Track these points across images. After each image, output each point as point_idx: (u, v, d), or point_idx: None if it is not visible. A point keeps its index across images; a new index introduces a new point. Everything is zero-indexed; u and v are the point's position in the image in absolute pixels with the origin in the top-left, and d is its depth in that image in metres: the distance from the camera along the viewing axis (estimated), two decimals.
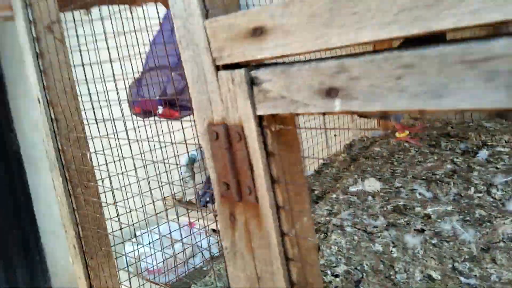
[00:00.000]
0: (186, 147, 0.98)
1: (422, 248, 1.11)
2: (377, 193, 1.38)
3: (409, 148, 1.60)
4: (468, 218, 1.20)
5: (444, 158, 1.48)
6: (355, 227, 1.23)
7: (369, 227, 1.23)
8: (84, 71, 0.97)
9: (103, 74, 0.96)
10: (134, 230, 1.51)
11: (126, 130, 0.95)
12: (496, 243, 1.08)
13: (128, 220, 1.07)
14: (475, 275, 1.02)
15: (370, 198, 1.37)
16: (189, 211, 1.27)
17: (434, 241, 1.13)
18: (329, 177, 1.63)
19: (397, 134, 1.69)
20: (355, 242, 1.17)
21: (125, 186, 1.10)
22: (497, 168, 1.40)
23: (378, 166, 1.54)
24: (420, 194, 1.33)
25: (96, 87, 0.99)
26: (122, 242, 1.16)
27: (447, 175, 1.41)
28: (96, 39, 0.95)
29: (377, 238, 1.18)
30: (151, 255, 1.30)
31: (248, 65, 0.42)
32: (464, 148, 1.60)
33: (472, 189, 1.31)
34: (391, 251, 1.12)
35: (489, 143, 1.60)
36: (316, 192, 1.49)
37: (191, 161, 1.84)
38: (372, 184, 1.37)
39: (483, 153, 1.53)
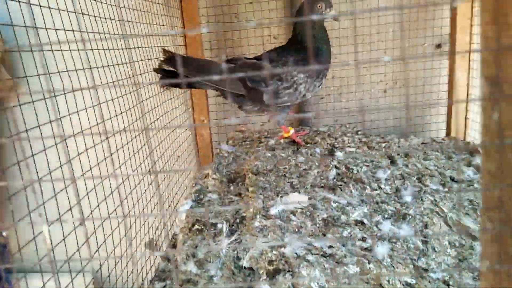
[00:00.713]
0: None
1: (388, 256, 1.07)
2: (296, 210, 1.24)
3: (287, 158, 1.54)
4: (387, 215, 1.25)
5: (324, 163, 1.50)
6: (312, 254, 1.06)
7: (323, 249, 1.09)
8: None
9: None
10: None
11: None
12: (422, 231, 1.18)
13: None
14: (437, 268, 1.07)
15: (293, 217, 1.22)
16: None
17: (388, 245, 1.12)
18: (218, 204, 1.35)
19: (284, 135, 1.79)
20: (328, 271, 1.01)
21: None
22: (367, 165, 1.53)
23: (272, 181, 1.39)
24: (334, 201, 1.29)
25: None
26: None
27: (338, 178, 1.43)
28: None
29: (344, 259, 1.05)
30: None
31: None
32: (320, 152, 1.68)
33: (368, 187, 1.38)
34: (369, 268, 1.02)
35: (337, 146, 1.75)
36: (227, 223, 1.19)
37: None
38: (297, 199, 1.22)
39: (339, 154, 1.65)
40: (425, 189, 1.43)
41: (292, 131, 1.80)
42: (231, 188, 1.43)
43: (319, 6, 1.60)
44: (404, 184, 1.45)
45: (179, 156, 1.79)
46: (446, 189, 1.46)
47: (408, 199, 1.35)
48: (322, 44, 1.66)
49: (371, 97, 2.27)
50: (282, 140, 1.83)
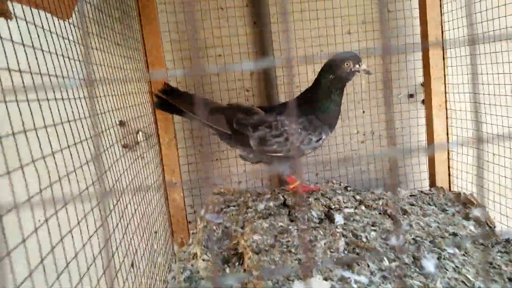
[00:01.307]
0: None
1: None
2: None
3: (288, 228, 1.34)
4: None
5: (325, 231, 1.32)
6: None
7: None
8: None
9: None
10: None
11: None
12: None
13: None
14: None
15: None
16: None
17: None
18: None
19: (290, 186, 1.73)
20: None
21: None
22: (374, 230, 1.38)
23: (278, 260, 1.18)
24: (355, 281, 1.10)
25: None
26: None
27: (350, 249, 1.25)
28: None
29: None
30: None
31: None
32: (317, 216, 1.51)
33: (385, 259, 1.21)
34: None
35: (333, 207, 1.58)
36: None
37: None
38: (317, 286, 1.01)
39: (339, 217, 1.49)
40: (443, 255, 1.29)
41: (297, 182, 1.72)
42: (227, 270, 1.19)
43: (347, 64, 1.53)
44: (419, 249, 1.30)
45: (155, 232, 1.51)
46: (462, 252, 1.34)
47: (431, 269, 1.20)
48: (332, 105, 1.59)
49: (351, 149, 2.17)
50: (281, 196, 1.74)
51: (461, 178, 2.03)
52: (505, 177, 1.81)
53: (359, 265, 1.17)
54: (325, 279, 1.10)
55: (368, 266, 1.18)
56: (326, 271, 1.13)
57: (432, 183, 2.10)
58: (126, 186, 1.36)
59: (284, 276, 1.09)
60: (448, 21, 1.95)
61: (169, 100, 1.64)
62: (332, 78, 1.55)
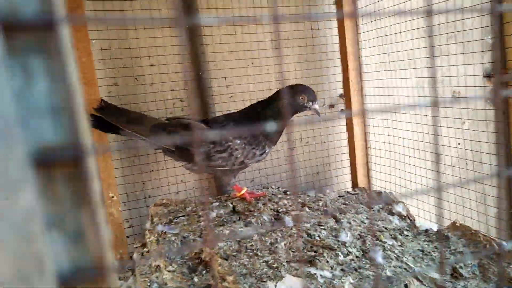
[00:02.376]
0: None
1: None
2: None
3: (249, 235, 1.36)
4: (372, 281, 1.21)
5: (283, 233, 1.39)
6: None
7: None
8: None
9: None
10: None
11: None
12: None
13: None
14: None
15: None
16: None
17: None
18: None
19: (236, 194, 1.75)
20: None
21: None
22: (324, 229, 1.48)
23: (247, 264, 1.20)
24: (321, 276, 1.19)
25: None
26: None
27: (308, 248, 1.33)
28: None
29: None
30: None
31: None
32: (269, 220, 1.57)
33: (340, 254, 1.32)
34: None
35: (281, 210, 1.66)
36: None
37: None
38: (291, 284, 1.06)
39: (288, 220, 1.57)
40: (385, 246, 1.44)
41: (244, 190, 1.74)
42: (196, 279, 1.17)
43: (302, 98, 1.57)
44: (365, 243, 1.44)
45: None
46: (399, 243, 1.51)
47: (380, 260, 1.34)
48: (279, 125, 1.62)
49: (283, 156, 2.29)
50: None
51: (379, 179, 2.27)
52: (415, 174, 2.09)
53: (320, 261, 1.25)
54: (295, 276, 1.15)
55: (327, 262, 1.27)
56: (293, 269, 1.19)
57: (355, 184, 2.32)
58: None
59: (257, 277, 1.12)
60: (364, 40, 2.20)
61: (106, 119, 1.54)
62: (287, 103, 1.60)
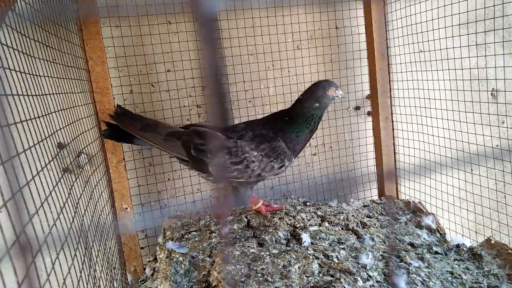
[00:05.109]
0: None
1: None
2: None
3: (260, 255, 1.29)
4: None
5: (297, 255, 1.30)
6: None
7: None
8: None
9: None
10: None
11: None
12: None
13: None
14: None
15: None
16: None
17: None
18: None
19: (253, 207, 1.69)
20: None
21: None
22: (343, 248, 1.38)
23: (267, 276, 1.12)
24: None
25: None
26: None
27: (324, 272, 1.24)
28: None
29: None
30: None
31: None
32: (284, 237, 1.48)
33: (359, 279, 1.22)
34: None
35: (298, 226, 1.57)
36: None
37: None
38: None
39: (306, 236, 1.48)
40: (410, 269, 1.33)
41: (260, 202, 1.67)
42: None
43: (331, 92, 1.53)
44: (388, 265, 1.33)
45: (114, 268, 1.38)
46: (425, 264, 1.39)
47: (402, 285, 1.23)
48: (306, 133, 1.55)
49: (304, 162, 2.19)
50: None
51: (408, 186, 2.13)
52: (447, 184, 1.94)
53: None
54: None
55: None
56: None
57: (381, 192, 2.19)
58: (72, 218, 1.22)
59: None
60: (394, 38, 2.05)
61: (121, 126, 1.50)
62: (317, 107, 1.52)
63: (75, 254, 1.00)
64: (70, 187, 1.30)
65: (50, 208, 0.97)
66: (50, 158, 1.20)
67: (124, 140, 1.58)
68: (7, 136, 0.75)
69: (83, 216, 1.15)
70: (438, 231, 1.77)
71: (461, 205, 1.86)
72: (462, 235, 1.82)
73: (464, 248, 1.58)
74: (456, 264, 1.44)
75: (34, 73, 1.11)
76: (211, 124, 1.67)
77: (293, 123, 1.52)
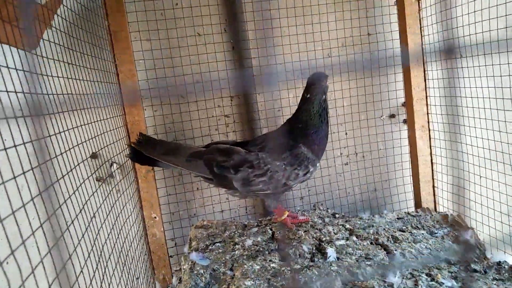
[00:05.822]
0: None
1: None
2: None
3: (281, 270, 1.26)
4: None
5: (319, 271, 1.26)
6: None
7: None
8: None
9: None
10: None
11: None
12: None
13: None
14: None
15: None
16: None
17: None
18: None
19: (278, 219, 1.65)
20: None
21: None
22: (369, 265, 1.33)
23: None
24: None
25: None
26: None
27: None
28: None
29: None
30: None
31: None
32: (309, 251, 1.45)
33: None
34: None
35: (324, 239, 1.53)
36: None
37: None
38: None
39: (331, 251, 1.43)
40: None
41: (286, 214, 1.64)
42: None
43: (326, 80, 1.53)
44: (417, 284, 1.26)
45: (137, 278, 1.41)
46: (459, 284, 1.30)
47: None
48: (324, 129, 1.53)
49: (335, 172, 2.13)
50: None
51: (445, 198, 2.02)
52: (487, 197, 1.81)
53: None
54: None
55: None
56: None
57: (418, 204, 2.09)
58: (100, 225, 1.26)
59: None
60: (429, 43, 1.96)
61: (144, 153, 1.51)
62: (324, 99, 1.51)
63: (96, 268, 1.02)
64: (105, 197, 1.34)
65: (83, 217, 1.00)
66: (85, 169, 1.25)
67: (149, 164, 1.60)
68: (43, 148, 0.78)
69: (101, 226, 1.18)
70: (478, 247, 1.66)
71: (503, 220, 1.73)
72: (504, 252, 1.69)
73: (505, 266, 1.46)
74: (495, 284, 1.34)
75: (69, 93, 1.16)
76: (231, 140, 1.67)
77: (309, 124, 1.50)
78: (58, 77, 1.17)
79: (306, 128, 1.50)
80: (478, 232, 1.77)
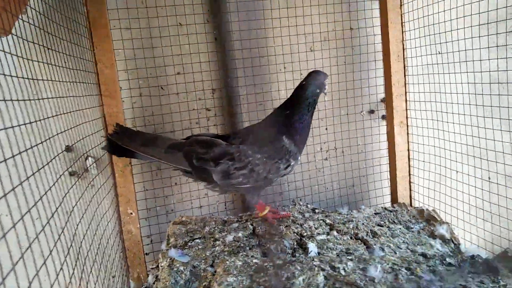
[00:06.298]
0: None
1: None
2: None
3: (263, 266, 1.25)
4: None
5: (302, 266, 1.26)
6: None
7: None
8: None
9: None
10: None
11: None
12: None
13: None
14: None
15: None
16: None
17: None
18: None
19: (259, 214, 1.63)
20: None
21: None
22: (350, 259, 1.34)
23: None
24: None
25: None
26: None
27: (330, 285, 1.20)
28: None
29: None
30: None
31: None
32: (290, 246, 1.45)
33: None
34: None
35: (305, 234, 1.53)
36: None
37: None
38: None
39: (312, 246, 1.43)
40: (421, 283, 1.27)
41: (267, 209, 1.62)
42: None
43: (326, 82, 1.54)
44: (397, 278, 1.27)
45: (113, 277, 1.37)
46: (438, 277, 1.33)
47: None
48: (308, 114, 1.51)
49: (315, 168, 2.14)
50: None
51: (421, 193, 2.06)
52: (463, 192, 1.86)
53: None
54: None
55: None
56: None
57: (394, 199, 2.12)
58: (77, 223, 1.21)
59: None
60: (410, 39, 1.98)
61: (121, 144, 1.47)
62: (317, 93, 1.50)
63: (63, 264, 0.99)
64: (81, 194, 1.29)
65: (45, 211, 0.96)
66: (58, 162, 1.19)
67: (126, 155, 1.56)
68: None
69: (78, 224, 1.14)
70: (453, 241, 1.70)
71: (477, 214, 1.79)
72: (478, 246, 1.74)
73: (479, 260, 1.51)
74: (470, 277, 1.37)
75: (35, 78, 1.10)
76: (211, 133, 1.65)
77: (294, 110, 1.49)
78: (32, 60, 1.11)
79: (293, 114, 1.49)
80: (453, 226, 1.82)
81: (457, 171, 1.89)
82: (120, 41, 1.78)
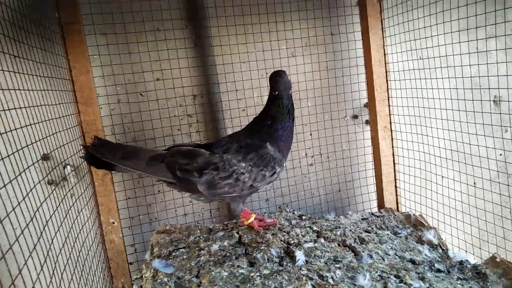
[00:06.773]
0: None
1: None
2: None
3: (250, 276, 1.20)
4: None
5: (289, 275, 1.22)
6: None
7: None
8: None
9: None
10: None
11: None
12: None
13: None
14: None
15: None
16: None
17: None
18: None
19: (245, 222, 1.61)
20: None
21: None
22: (339, 268, 1.30)
23: None
24: None
25: None
26: None
27: None
28: None
29: None
30: None
31: None
32: (277, 255, 1.40)
33: None
34: None
35: (292, 242, 1.48)
36: None
37: None
38: None
39: (300, 254, 1.39)
40: None
41: (253, 217, 1.58)
42: None
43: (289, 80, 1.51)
44: (386, 286, 1.24)
45: None
46: (427, 285, 1.30)
47: None
48: (289, 120, 1.48)
49: (301, 173, 2.11)
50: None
51: (407, 198, 2.05)
52: (449, 197, 1.85)
53: None
54: None
55: None
56: None
57: (381, 204, 2.10)
58: (54, 234, 1.14)
59: None
60: (391, 44, 1.98)
61: (100, 157, 1.41)
62: (291, 94, 1.48)
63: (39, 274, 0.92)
64: (58, 203, 1.22)
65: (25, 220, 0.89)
66: (35, 171, 1.13)
67: (105, 168, 1.49)
68: None
69: (55, 234, 1.07)
70: (440, 246, 1.68)
71: (464, 219, 1.78)
72: (466, 251, 1.73)
73: (467, 265, 1.49)
74: (459, 284, 1.35)
75: (5, 88, 1.04)
76: (193, 142, 1.60)
77: (276, 120, 1.46)
78: (2, 70, 1.04)
79: (275, 122, 1.46)
80: (440, 231, 1.80)
81: (442, 176, 1.89)
82: (95, 47, 1.72)
